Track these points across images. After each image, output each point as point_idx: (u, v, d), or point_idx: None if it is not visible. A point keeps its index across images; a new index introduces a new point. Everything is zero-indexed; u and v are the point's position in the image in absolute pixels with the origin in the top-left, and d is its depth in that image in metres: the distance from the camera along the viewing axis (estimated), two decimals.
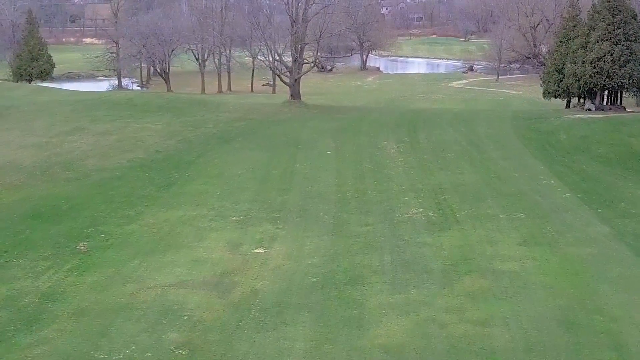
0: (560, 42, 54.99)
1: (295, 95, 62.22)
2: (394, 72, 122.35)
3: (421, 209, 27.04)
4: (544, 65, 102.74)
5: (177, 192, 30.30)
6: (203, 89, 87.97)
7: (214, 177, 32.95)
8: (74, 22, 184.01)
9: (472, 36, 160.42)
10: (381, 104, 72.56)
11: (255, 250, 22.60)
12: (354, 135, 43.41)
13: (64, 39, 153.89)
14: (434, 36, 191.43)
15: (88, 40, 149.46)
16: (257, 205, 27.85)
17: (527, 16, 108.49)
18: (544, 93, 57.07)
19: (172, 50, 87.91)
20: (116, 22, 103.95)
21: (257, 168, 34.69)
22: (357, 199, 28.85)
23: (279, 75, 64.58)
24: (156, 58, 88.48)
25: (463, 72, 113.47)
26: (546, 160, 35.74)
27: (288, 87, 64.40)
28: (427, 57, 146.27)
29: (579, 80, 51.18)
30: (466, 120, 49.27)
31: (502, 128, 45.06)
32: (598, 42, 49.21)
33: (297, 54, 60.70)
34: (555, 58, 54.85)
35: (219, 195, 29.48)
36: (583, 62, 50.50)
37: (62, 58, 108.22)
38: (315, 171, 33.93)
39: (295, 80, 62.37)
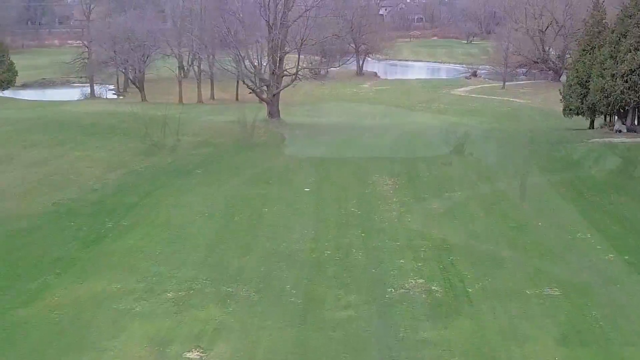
0: (584, 50, 49.74)
1: (273, 113, 56.81)
2: (393, 78, 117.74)
3: (421, 280, 21.71)
4: (553, 70, 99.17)
5: (104, 250, 24.87)
6: (180, 99, 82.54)
7: (158, 226, 27.55)
8: (62, 23, 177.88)
9: (475, 38, 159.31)
10: (376, 117, 67.20)
11: (188, 355, 17.09)
12: (340, 165, 38.28)
13: (47, 42, 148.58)
14: (435, 38, 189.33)
15: (74, 42, 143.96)
16: (205, 273, 22.48)
17: (535, 18, 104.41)
18: (564, 110, 51.83)
19: (148, 56, 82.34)
20: (87, 24, 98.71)
21: (215, 212, 29.39)
22: (337, 261, 23.52)
23: (253, 91, 58.96)
24: (128, 64, 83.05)
25: (466, 77, 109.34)
26: (577, 203, 30.44)
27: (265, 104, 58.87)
28: (428, 61, 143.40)
29: (607, 97, 45.99)
30: (474, 143, 44.05)
31: (519, 156, 39.94)
32: (631, 51, 44.03)
33: (274, 65, 55.11)
34: (577, 69, 49.59)
35: (157, 256, 24.08)
36: (613, 76, 45.32)
37: (39, 63, 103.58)
38: (288, 217, 28.62)
39: (274, 95, 56.83)
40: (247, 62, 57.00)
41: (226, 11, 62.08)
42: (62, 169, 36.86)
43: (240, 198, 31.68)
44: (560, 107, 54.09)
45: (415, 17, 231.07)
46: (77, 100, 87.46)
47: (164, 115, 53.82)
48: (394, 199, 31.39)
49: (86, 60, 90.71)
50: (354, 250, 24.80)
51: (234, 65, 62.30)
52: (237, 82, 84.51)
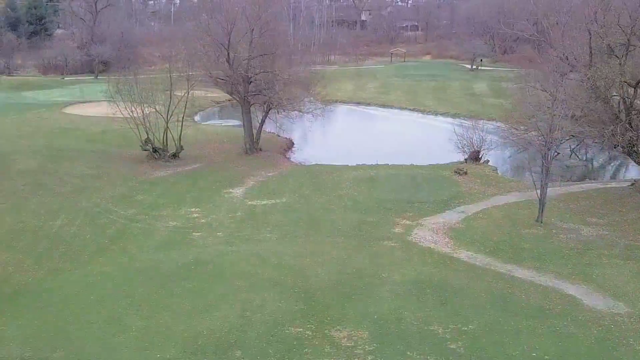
0: None
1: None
2: (315, 163, 68.31)
3: None
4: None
5: None
6: None
7: None
8: None
9: (483, 61, 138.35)
10: None
11: None
12: None
13: None
14: (428, 58, 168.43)
15: None
16: None
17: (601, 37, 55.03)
18: None
19: None
20: None
21: None
22: None
23: None
24: None
25: (457, 170, 62.47)
26: None
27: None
28: (406, 108, 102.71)
29: None
30: None
31: None
32: None
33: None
34: None
35: None
36: None
37: None
38: None
39: None
40: None
41: None
42: None
43: None
44: None
45: (408, 25, 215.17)
46: None
47: None
48: None
49: None
50: None
51: None
52: None
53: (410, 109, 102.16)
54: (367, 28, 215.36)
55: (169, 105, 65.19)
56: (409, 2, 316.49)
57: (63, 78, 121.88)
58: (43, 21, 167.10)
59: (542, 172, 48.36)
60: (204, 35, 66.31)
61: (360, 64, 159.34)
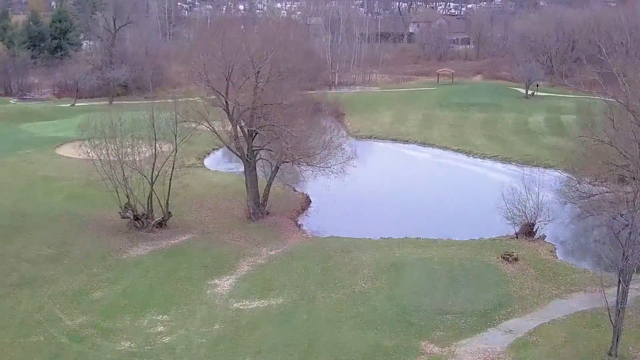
0: None
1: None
2: (330, 236, 56.91)
3: None
4: None
5: None
6: None
7: None
8: None
9: (541, 85, 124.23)
10: None
11: None
12: None
13: None
14: (478, 78, 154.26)
15: None
16: None
17: None
18: None
19: None
20: None
21: None
22: None
23: None
24: None
25: (509, 241, 54.29)
26: None
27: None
28: (450, 147, 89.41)
29: None
30: None
31: None
32: None
33: None
34: None
35: None
36: None
37: None
38: None
39: None
40: None
41: None
42: None
43: None
44: None
45: (459, 38, 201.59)
46: None
47: None
48: None
49: None
50: None
51: None
52: None
53: (454, 150, 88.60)
54: (415, 41, 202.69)
55: (154, 164, 54.29)
56: (462, 10, 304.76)
57: (73, 105, 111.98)
58: (67, 35, 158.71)
59: (617, 291, 35.96)
60: (198, 77, 55.42)
61: (404, 84, 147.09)
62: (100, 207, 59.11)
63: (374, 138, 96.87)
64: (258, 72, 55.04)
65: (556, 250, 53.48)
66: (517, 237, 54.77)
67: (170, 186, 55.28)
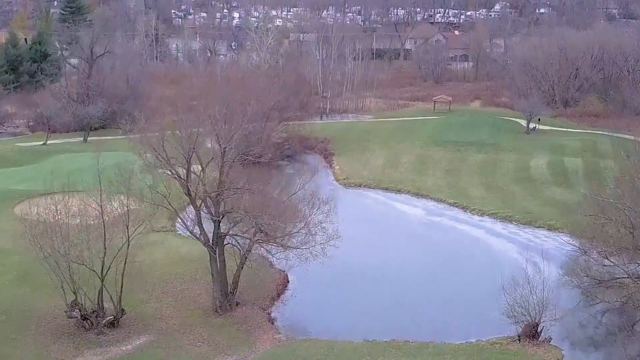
0: None
1: None
2: (306, 337, 51.17)
3: None
4: None
5: None
6: None
7: None
8: None
9: (543, 117, 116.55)
10: None
11: None
12: None
13: None
14: (477, 104, 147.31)
15: None
16: None
17: None
18: None
19: None
20: None
21: None
22: None
23: None
24: None
25: (510, 343, 48.64)
26: None
27: None
28: (445, 200, 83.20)
29: None
30: None
31: None
32: None
33: None
34: None
35: None
36: None
37: None
38: None
39: None
40: None
41: None
42: None
43: None
44: None
45: (458, 55, 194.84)
46: None
47: None
48: None
49: None
50: None
51: None
52: None
53: (450, 204, 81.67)
54: (411, 58, 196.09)
55: (103, 258, 47.67)
56: (461, 17, 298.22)
57: (45, 143, 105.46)
58: (48, 58, 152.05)
59: None
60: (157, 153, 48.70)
61: (399, 112, 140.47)
62: (49, 293, 52.30)
63: (364, 186, 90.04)
64: (224, 150, 48.62)
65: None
66: (519, 340, 48.23)
67: (122, 282, 48.61)
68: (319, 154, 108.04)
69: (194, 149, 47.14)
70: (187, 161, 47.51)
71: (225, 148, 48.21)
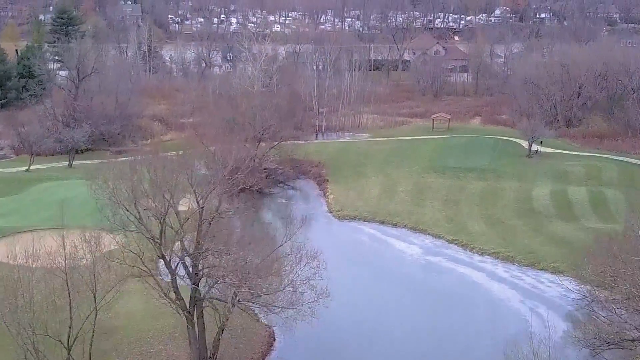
0: None
1: None
2: None
3: None
4: None
5: None
6: None
7: None
8: None
9: (544, 138, 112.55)
10: None
11: None
12: None
13: None
14: (477, 122, 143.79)
15: None
16: None
17: None
18: None
19: None
20: None
21: None
22: None
23: None
24: None
25: None
26: None
27: None
28: (443, 236, 79.57)
29: None
30: None
31: None
32: None
33: None
34: None
35: None
36: None
37: None
38: None
39: None
40: None
41: None
42: None
43: None
44: None
45: (457, 66, 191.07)
46: None
47: None
48: None
49: None
50: None
51: None
52: None
53: (448, 240, 77.74)
54: (410, 70, 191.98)
55: (70, 327, 43.85)
56: (461, 22, 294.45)
57: (28, 169, 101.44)
58: (35, 78, 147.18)
59: None
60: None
61: (396, 130, 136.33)
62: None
63: (359, 219, 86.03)
64: (202, 208, 44.81)
65: None
66: None
67: (90, 355, 44.73)
68: (312, 180, 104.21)
69: (167, 209, 43.37)
70: (160, 223, 43.76)
71: (203, 207, 44.46)
